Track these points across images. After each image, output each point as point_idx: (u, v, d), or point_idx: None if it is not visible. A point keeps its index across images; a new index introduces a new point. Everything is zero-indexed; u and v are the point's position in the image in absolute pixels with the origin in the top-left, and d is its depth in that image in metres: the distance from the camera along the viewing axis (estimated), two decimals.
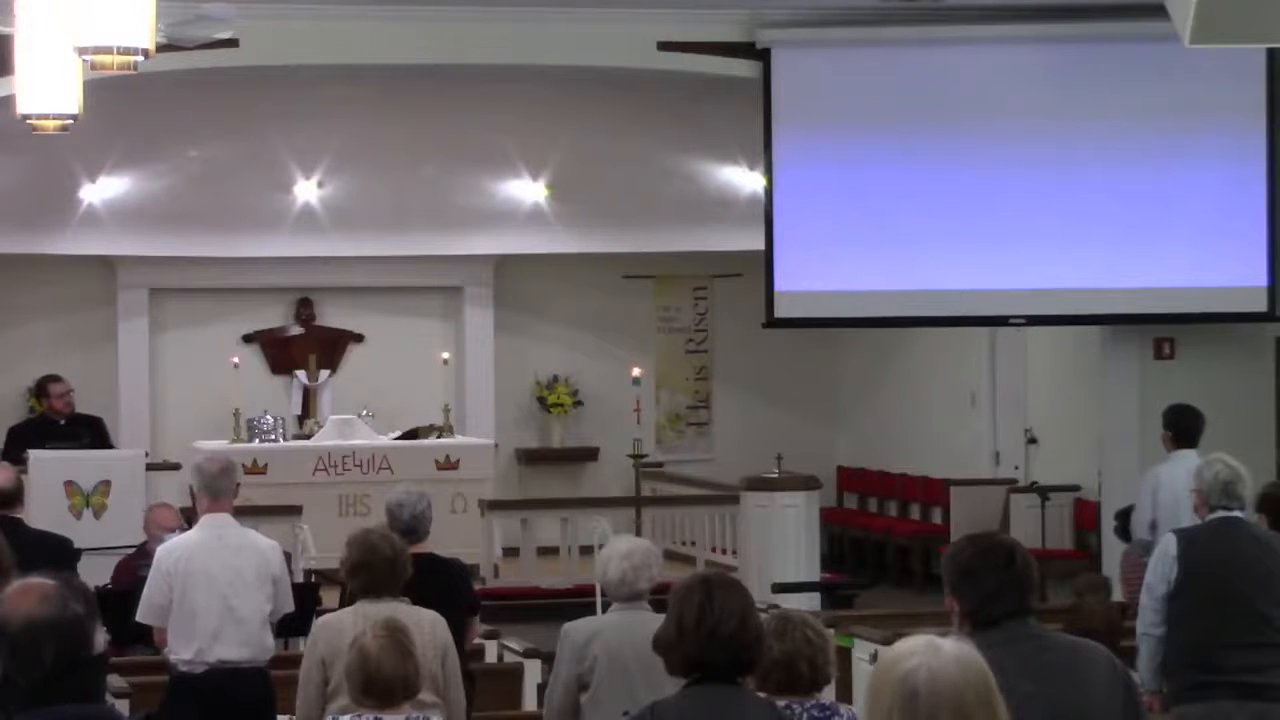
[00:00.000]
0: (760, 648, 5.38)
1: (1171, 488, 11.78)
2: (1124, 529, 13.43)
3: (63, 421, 15.92)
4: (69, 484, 14.48)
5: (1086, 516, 17.12)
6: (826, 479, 19.20)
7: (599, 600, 12.70)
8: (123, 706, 9.18)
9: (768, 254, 15.17)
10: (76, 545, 10.13)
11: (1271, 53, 14.19)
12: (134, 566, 11.54)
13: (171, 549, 8.99)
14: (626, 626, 7.14)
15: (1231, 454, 8.73)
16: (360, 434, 18.50)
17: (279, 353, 20.38)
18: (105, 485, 14.53)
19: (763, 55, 15.00)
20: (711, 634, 5.21)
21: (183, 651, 8.83)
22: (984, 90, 14.85)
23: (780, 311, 15.28)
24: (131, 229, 19.04)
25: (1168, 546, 8.56)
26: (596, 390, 20.79)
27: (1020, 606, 5.20)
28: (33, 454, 14.74)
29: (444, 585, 8.62)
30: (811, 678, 6.17)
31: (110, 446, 15.95)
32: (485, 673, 10.49)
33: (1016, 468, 18.48)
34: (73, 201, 18.81)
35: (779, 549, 15.89)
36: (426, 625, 7.57)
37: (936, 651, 3.39)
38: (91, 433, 15.75)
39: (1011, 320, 15.61)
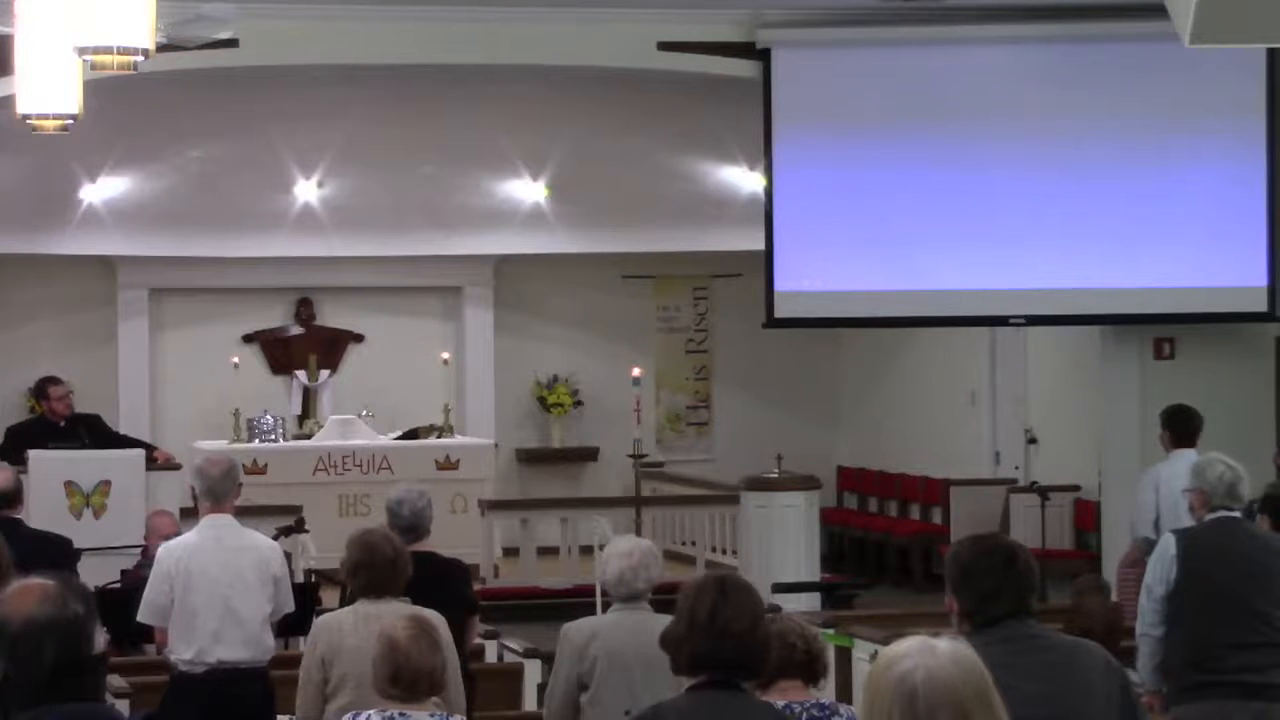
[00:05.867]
0: (767, 653, 5.37)
1: (1170, 488, 11.77)
2: None
3: (62, 424, 15.88)
4: (69, 484, 14.45)
5: (1086, 516, 17.11)
6: (826, 479, 19.20)
7: (599, 600, 12.70)
8: (123, 706, 9.19)
9: (768, 254, 15.16)
10: (76, 545, 10.13)
11: (1271, 52, 14.18)
12: (138, 567, 11.57)
13: (172, 549, 8.98)
14: (627, 626, 7.14)
15: (1231, 454, 8.73)
16: (360, 434, 18.50)
17: (279, 353, 20.38)
18: (105, 485, 14.50)
19: (763, 55, 14.99)
20: (722, 631, 5.20)
21: (183, 652, 8.83)
22: (984, 90, 14.84)
23: (780, 311, 15.27)
24: (131, 229, 19.05)
25: (1167, 546, 8.56)
26: (596, 390, 20.79)
27: (1019, 607, 5.21)
28: (33, 454, 14.69)
29: (443, 585, 8.61)
30: (806, 649, 6.19)
31: (113, 437, 15.90)
32: (485, 673, 10.49)
33: (1016, 468, 18.47)
34: (73, 201, 18.81)
35: (779, 549, 15.88)
36: None
37: (932, 652, 3.39)
38: (90, 431, 15.68)
39: (1011, 320, 15.60)
